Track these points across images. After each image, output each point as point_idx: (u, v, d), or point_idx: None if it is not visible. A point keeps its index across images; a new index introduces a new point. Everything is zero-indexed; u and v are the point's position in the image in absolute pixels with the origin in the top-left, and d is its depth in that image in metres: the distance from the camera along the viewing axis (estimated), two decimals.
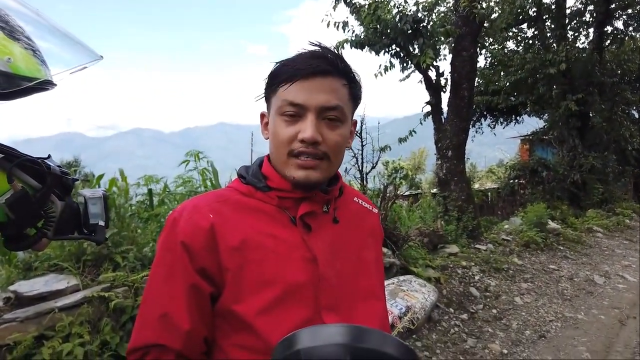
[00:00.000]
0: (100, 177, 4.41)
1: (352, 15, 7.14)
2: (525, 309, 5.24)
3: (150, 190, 4.89)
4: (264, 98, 1.14)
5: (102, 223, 0.77)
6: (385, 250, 5.00)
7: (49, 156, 0.74)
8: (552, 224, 8.93)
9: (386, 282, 4.44)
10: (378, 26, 6.75)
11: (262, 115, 1.15)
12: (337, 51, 1.10)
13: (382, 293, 1.22)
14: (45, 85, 0.70)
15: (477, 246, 7.05)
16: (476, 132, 15.54)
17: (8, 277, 2.92)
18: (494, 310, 5.08)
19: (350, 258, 1.12)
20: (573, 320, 5.00)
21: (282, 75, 1.04)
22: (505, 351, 4.19)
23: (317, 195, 1.09)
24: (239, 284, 1.00)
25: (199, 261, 0.99)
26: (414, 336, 4.13)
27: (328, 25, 7.31)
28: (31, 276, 2.93)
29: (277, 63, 1.09)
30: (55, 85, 0.72)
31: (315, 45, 1.08)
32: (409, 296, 4.21)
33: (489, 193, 13.28)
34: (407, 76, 8.26)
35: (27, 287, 2.69)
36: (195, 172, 5.56)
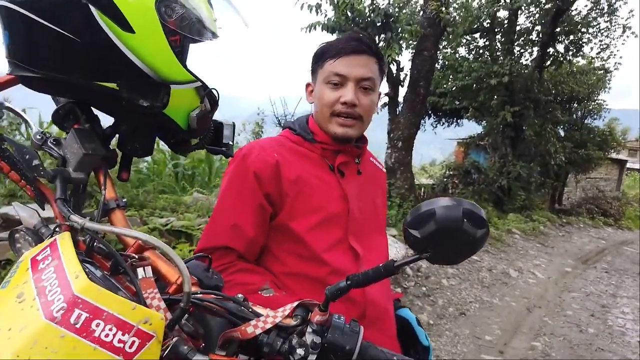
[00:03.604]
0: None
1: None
2: (450, 290, 5.87)
3: None
4: (311, 71, 1.47)
5: (231, 143, 1.07)
6: None
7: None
8: None
9: None
10: (350, 14, 7.09)
11: (308, 85, 1.48)
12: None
13: (385, 231, 1.60)
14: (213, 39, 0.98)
15: None
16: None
17: None
18: (424, 288, 5.66)
19: (368, 201, 1.48)
20: (489, 304, 5.69)
21: (329, 53, 1.38)
22: (431, 322, 4.75)
23: (351, 149, 1.43)
24: (294, 207, 1.32)
25: (266, 188, 1.31)
26: None
27: (302, 7, 7.51)
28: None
29: (322, 44, 1.42)
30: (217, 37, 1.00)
31: (355, 32, 1.43)
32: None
33: (423, 188, 14.09)
34: None
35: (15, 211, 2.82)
36: None
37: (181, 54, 0.88)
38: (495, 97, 13.34)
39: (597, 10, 13.60)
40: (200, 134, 0.98)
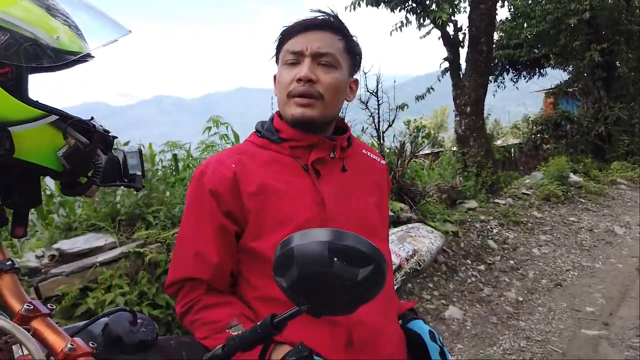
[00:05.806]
0: (126, 144, 4.59)
1: None
2: (542, 259, 5.36)
3: (175, 156, 5.07)
4: (274, 60, 1.29)
5: (139, 173, 0.92)
6: (402, 205, 5.14)
7: (92, 118, 0.89)
8: (574, 177, 8.90)
9: (396, 229, 4.64)
10: None
11: (275, 77, 1.29)
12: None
13: (384, 234, 1.37)
14: (86, 58, 0.84)
15: (496, 201, 7.13)
16: (498, 87, 15.30)
17: (51, 237, 3.18)
18: (511, 261, 5.21)
19: (357, 201, 1.26)
20: (590, 269, 5.11)
21: (285, 34, 1.23)
22: (520, 298, 4.34)
23: (324, 142, 1.23)
24: (258, 223, 1.16)
25: (225, 205, 1.16)
26: (421, 276, 4.38)
27: None
28: (71, 236, 3.18)
29: (282, 28, 1.25)
30: (94, 57, 0.86)
31: (314, 10, 1.24)
32: (416, 240, 4.44)
33: (512, 149, 13.18)
34: (428, 32, 8.18)
35: (69, 245, 2.94)
36: (216, 137, 5.70)
37: (18, 87, 0.74)
38: (578, 37, 12.06)
39: None
40: (82, 174, 0.85)
